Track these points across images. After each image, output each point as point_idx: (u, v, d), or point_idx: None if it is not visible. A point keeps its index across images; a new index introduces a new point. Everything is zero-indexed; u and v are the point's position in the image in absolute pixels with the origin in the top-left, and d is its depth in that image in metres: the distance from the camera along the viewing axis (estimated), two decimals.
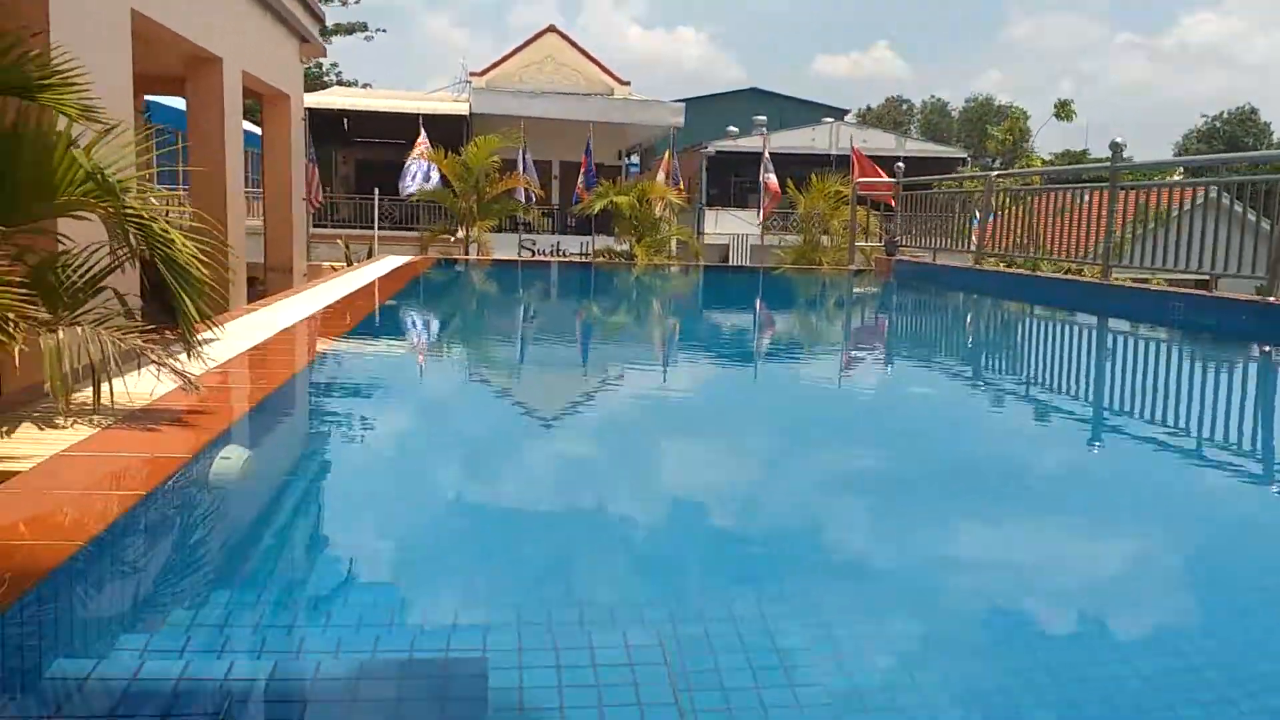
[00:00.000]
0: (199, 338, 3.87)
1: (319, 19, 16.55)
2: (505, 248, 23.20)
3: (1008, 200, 12.48)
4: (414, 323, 9.23)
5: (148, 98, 17.79)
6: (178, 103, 14.54)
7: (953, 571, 2.95)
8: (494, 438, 4.47)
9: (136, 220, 3.55)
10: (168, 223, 3.62)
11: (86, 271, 3.79)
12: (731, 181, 32.82)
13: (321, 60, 46.03)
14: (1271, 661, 2.48)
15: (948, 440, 4.81)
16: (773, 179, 19.42)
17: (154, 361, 3.50)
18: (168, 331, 3.74)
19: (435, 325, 9.27)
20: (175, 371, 3.56)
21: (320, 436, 4.44)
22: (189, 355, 3.77)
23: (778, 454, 4.44)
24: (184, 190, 11.62)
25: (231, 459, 3.40)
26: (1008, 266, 12.20)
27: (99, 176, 3.49)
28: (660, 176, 20.23)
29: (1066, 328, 9.64)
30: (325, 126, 26.49)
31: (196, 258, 3.63)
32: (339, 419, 4.88)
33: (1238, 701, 2.27)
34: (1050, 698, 2.22)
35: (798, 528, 3.38)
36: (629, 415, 5.20)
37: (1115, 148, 9.88)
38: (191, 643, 2.28)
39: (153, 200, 3.93)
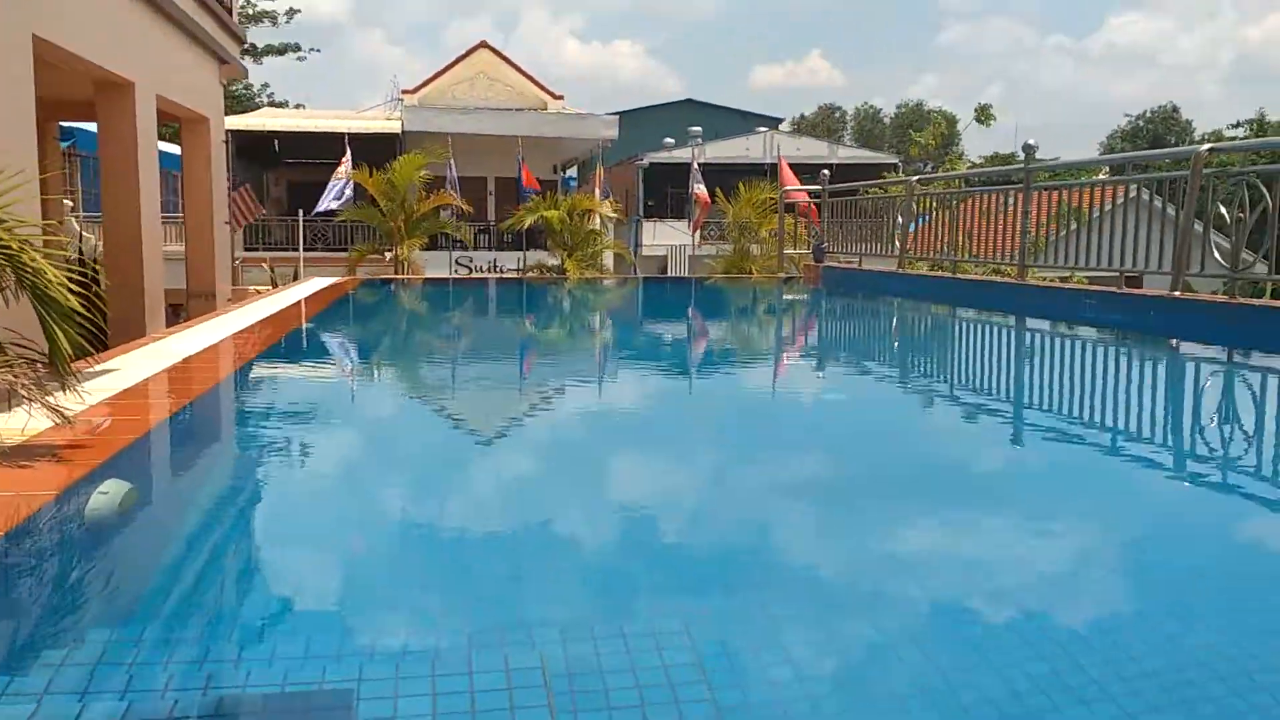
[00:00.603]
0: (77, 371, 3.75)
1: (238, 40, 16.31)
2: (441, 266, 23.01)
3: (932, 204, 12.67)
4: (320, 348, 8.99)
5: (72, 124, 17.36)
6: None
7: (856, 585, 2.94)
8: (379, 463, 4.39)
9: (4, 252, 3.44)
10: (35, 253, 3.50)
11: None
12: (669, 193, 32.97)
13: (252, 82, 45.54)
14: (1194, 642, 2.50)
15: (859, 447, 4.84)
16: (702, 189, 19.53)
17: (25, 397, 3.38)
18: (40, 366, 3.63)
19: (343, 350, 9.04)
20: (47, 406, 3.44)
21: (205, 469, 4.31)
22: (64, 389, 3.65)
23: (686, 467, 4.42)
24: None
25: (110, 493, 3.29)
26: (932, 269, 12.38)
27: None
28: (597, 192, 20.28)
29: (983, 327, 9.80)
30: (255, 148, 26.13)
31: (66, 288, 3.53)
32: (226, 451, 4.75)
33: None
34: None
35: (698, 543, 3.35)
36: (516, 434, 5.12)
37: (1028, 150, 10.08)
38: (52, 684, 2.19)
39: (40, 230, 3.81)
